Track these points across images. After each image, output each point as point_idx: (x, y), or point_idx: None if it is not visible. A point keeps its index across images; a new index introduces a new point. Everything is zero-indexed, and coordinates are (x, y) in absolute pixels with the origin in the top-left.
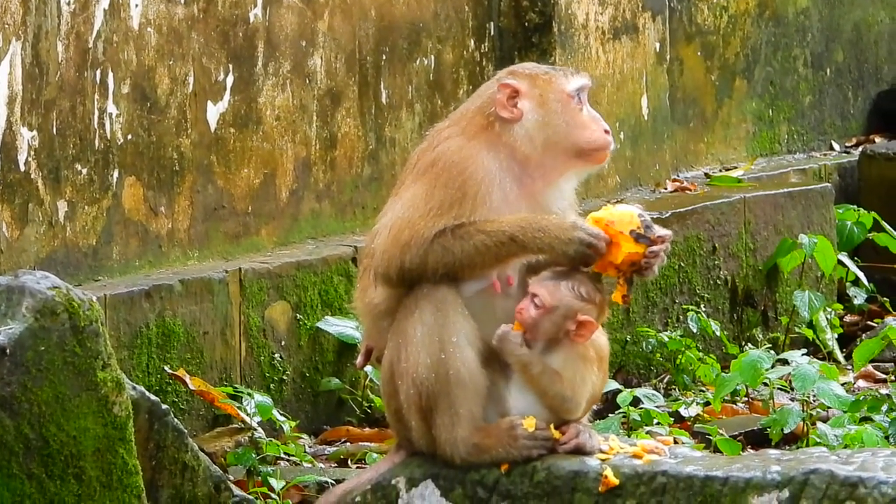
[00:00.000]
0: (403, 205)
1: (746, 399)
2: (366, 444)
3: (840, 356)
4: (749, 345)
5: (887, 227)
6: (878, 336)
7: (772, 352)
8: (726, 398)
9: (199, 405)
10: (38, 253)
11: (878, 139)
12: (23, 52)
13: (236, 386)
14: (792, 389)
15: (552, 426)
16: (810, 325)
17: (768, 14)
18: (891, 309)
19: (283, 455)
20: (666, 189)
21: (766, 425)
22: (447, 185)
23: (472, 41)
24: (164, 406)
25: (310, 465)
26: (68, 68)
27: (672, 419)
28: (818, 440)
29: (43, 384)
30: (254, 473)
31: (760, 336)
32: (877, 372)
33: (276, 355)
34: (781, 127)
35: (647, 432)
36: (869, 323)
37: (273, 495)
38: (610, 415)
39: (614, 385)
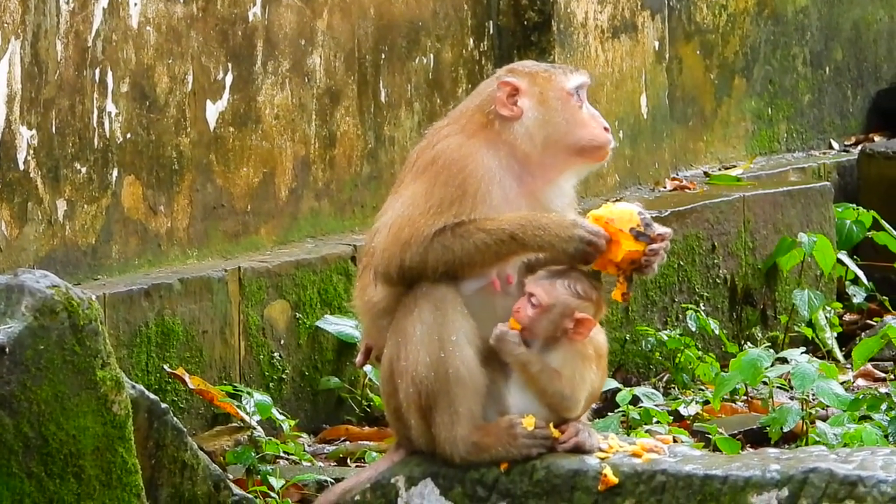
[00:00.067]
0: (403, 203)
1: (746, 398)
2: (365, 442)
3: (839, 355)
4: (748, 343)
5: (886, 225)
6: (877, 335)
7: (771, 350)
8: (725, 397)
9: (199, 404)
10: (38, 252)
11: (877, 138)
12: (22, 50)
13: (235, 385)
14: (791, 388)
15: (551, 425)
16: (809, 323)
17: (767, 13)
18: (890, 307)
19: (282, 454)
20: (665, 188)
21: (765, 424)
22: (447, 183)
23: (472, 40)
24: (164, 405)
25: (309, 464)
26: (67, 67)
27: (671, 418)
28: (817, 439)
29: (42, 383)
30: (253, 472)
31: (760, 335)
32: (876, 371)
33: (276, 354)
34: (781, 125)
35: (647, 431)
36: (868, 322)
37: (272, 494)
38: (609, 413)
39: (613, 384)
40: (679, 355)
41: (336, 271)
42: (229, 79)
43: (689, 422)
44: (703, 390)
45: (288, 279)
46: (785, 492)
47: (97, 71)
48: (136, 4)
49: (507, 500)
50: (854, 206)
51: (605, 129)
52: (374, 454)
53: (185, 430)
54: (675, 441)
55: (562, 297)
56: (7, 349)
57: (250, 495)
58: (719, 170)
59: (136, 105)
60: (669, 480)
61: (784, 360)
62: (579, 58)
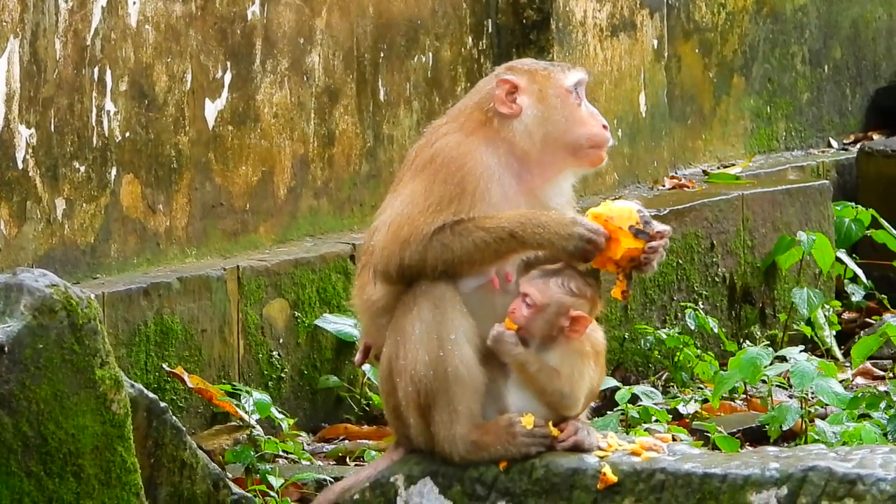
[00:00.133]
0: (402, 201)
1: (745, 396)
2: (364, 441)
3: (838, 353)
4: (747, 342)
5: (885, 224)
6: (876, 333)
7: (770, 349)
8: (725, 395)
9: (198, 403)
10: (37, 251)
11: (876, 136)
12: (21, 49)
13: (234, 383)
14: (790, 386)
15: (550, 423)
16: (808, 322)
17: (766, 11)
18: (889, 306)
19: (281, 453)
20: (664, 186)
21: (764, 422)
22: (446, 180)
23: (470, 38)
24: (163, 404)
25: (308, 463)
26: (66, 66)
27: (670, 416)
28: (816, 437)
29: (41, 382)
30: (252, 471)
31: (759, 333)
32: (875, 369)
33: (275, 353)
34: (779, 124)
35: (646, 429)
36: (867, 320)
37: (272, 493)
38: (608, 412)
39: (612, 382)
40: (678, 354)
41: (335, 270)
42: (228, 77)
43: (688, 420)
44: (702, 389)
45: (287, 278)
46: (784, 490)
47: (96, 69)
48: (134, 3)
49: (506, 499)
50: (853, 204)
51: (604, 126)
52: (374, 453)
53: (184, 428)
54: (674, 439)
55: (556, 296)
56: (6, 348)
57: (249, 494)
58: (718, 168)
59: (135, 104)
60: (668, 479)
61: (783, 359)
62: (578, 56)
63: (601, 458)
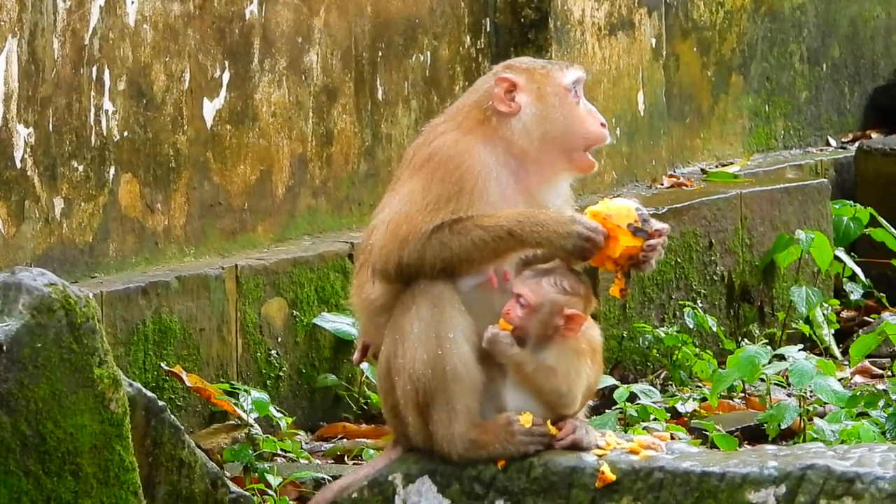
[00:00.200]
0: (400, 200)
1: (743, 395)
2: (362, 440)
3: (837, 352)
4: (746, 340)
5: (884, 222)
6: (874, 331)
7: (768, 347)
8: (723, 394)
9: (196, 402)
10: (35, 250)
11: (874, 134)
12: (19, 48)
13: (233, 382)
14: (789, 385)
15: (549, 422)
16: (807, 320)
17: (764, 9)
18: (887, 304)
19: (279, 451)
20: (662, 185)
21: (762, 421)
22: (444, 179)
23: (468, 37)
24: (161, 403)
25: (306, 462)
26: (64, 65)
27: (669, 415)
28: (815, 436)
29: (40, 381)
30: (251, 470)
31: (757, 332)
32: (873, 367)
33: (273, 352)
34: (778, 122)
35: (644, 428)
36: (866, 318)
37: (270, 492)
38: (607, 411)
39: (611, 381)
40: (676, 352)
41: (333, 269)
42: (226, 77)
43: (686, 419)
44: (700, 387)
45: (285, 277)
46: (782, 488)
47: (94, 69)
48: (132, 2)
49: (504, 498)
50: (851, 202)
51: (602, 124)
52: (372, 451)
53: (182, 427)
54: (672, 438)
55: (549, 295)
56: (4, 347)
57: (248, 493)
58: (716, 167)
59: (133, 103)
60: (667, 477)
61: (781, 357)
62: (576, 55)
63: (599, 456)
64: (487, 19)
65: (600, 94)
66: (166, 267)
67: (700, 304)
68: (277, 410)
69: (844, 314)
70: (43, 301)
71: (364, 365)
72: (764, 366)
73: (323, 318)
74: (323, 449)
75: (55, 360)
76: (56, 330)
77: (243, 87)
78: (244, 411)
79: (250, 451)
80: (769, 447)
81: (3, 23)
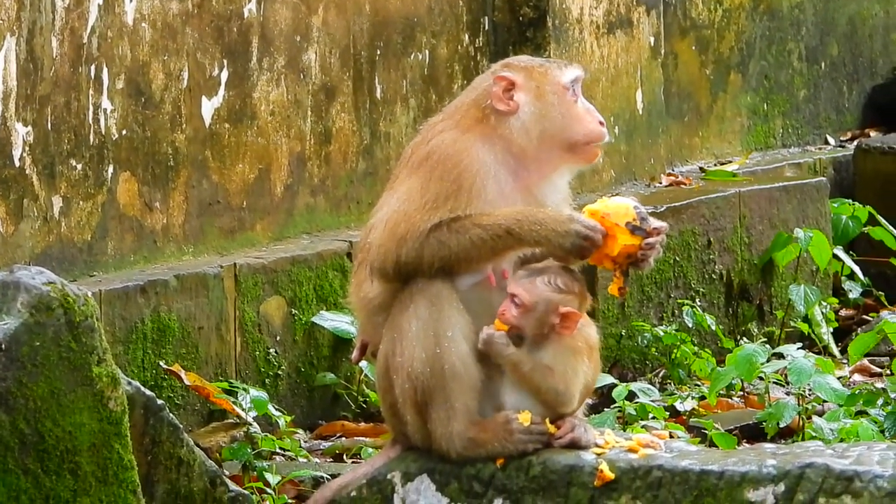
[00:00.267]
0: (399, 199)
1: (742, 393)
2: (361, 438)
3: (835, 350)
4: (744, 339)
5: (882, 220)
6: (873, 330)
7: (767, 346)
8: (722, 392)
9: (195, 400)
10: (33, 248)
11: (872, 133)
12: (17, 47)
13: (231, 381)
14: (787, 383)
15: (547, 420)
16: (806, 319)
17: (763, 8)
18: (886, 303)
19: (278, 450)
20: (661, 183)
21: (761, 419)
22: (442, 177)
23: (467, 36)
24: (160, 401)
25: (305, 460)
26: (63, 64)
27: (667, 413)
28: (814, 434)
29: (38, 379)
30: (249, 468)
31: (756, 330)
32: (872, 366)
33: (272, 350)
34: (776, 121)
35: (643, 426)
36: (864, 317)
37: (269, 490)
38: (605, 409)
39: (609, 379)
40: (675, 351)
41: (332, 267)
42: (225, 75)
43: (685, 417)
44: (699, 386)
45: (284, 275)
46: (781, 487)
47: (92, 67)
48: (131, 1)
49: (503, 496)
50: (850, 201)
51: (601, 122)
52: (371, 450)
53: (181, 426)
54: (671, 436)
55: (544, 294)
56: (3, 346)
57: (246, 491)
58: (715, 165)
59: (132, 102)
60: (666, 476)
61: (780, 356)
62: (574, 54)
63: (598, 455)
64: (486, 18)
65: (599, 92)
66: (165, 265)
67: (699, 303)
68: (276, 409)
69: (843, 313)
70: (41, 300)
71: (363, 363)
72: (762, 364)
73: (321, 316)
74: (322, 447)
75: (54, 359)
76: (55, 328)
77: (242, 85)
78: (243, 410)
79: (249, 450)
80: (768, 446)
81: (1, 21)
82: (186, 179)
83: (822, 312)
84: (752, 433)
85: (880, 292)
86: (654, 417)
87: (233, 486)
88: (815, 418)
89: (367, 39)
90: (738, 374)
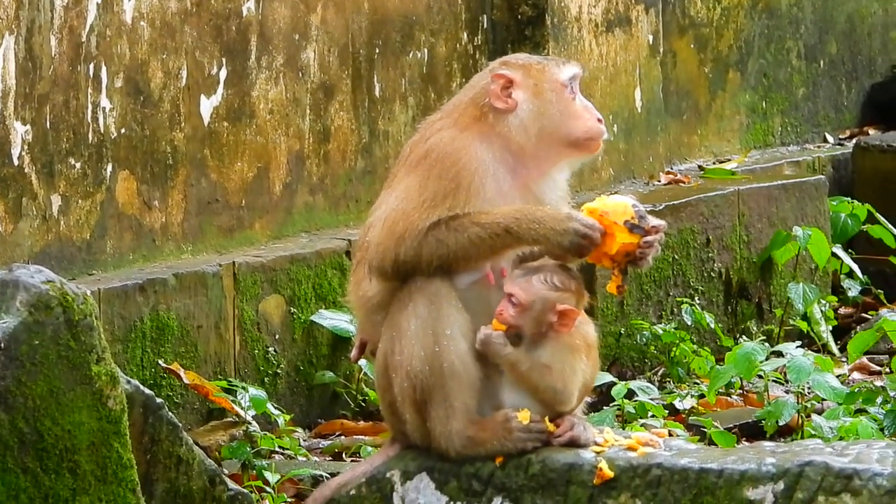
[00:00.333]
0: (397, 197)
1: (741, 391)
2: (360, 437)
3: (835, 348)
4: (743, 337)
5: (881, 218)
6: (872, 328)
7: (766, 344)
8: (721, 391)
9: (194, 399)
10: (32, 247)
11: (871, 131)
12: (16, 46)
13: (230, 380)
14: (786, 382)
15: (546, 419)
16: (805, 317)
17: (761, 6)
18: (885, 301)
19: (277, 449)
20: (660, 181)
21: (760, 417)
22: (441, 176)
23: (466, 34)
24: (159, 400)
25: (304, 459)
26: (61, 62)
27: (667, 412)
28: (813, 432)
29: (37, 378)
30: (248, 467)
31: (755, 328)
32: (871, 364)
33: (271, 349)
34: (775, 119)
35: (642, 425)
36: (863, 315)
37: (268, 489)
38: (604, 407)
39: (608, 378)
40: (674, 349)
41: (330, 266)
42: (223, 74)
43: (684, 416)
44: (698, 384)
45: (282, 274)
46: (780, 485)
47: (91, 66)
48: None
49: (502, 495)
50: (849, 199)
51: (599, 120)
52: (370, 449)
53: (180, 425)
54: (670, 435)
55: (540, 293)
56: (2, 344)
57: (245, 490)
58: (714, 163)
59: (131, 100)
60: (665, 474)
61: (779, 354)
62: (573, 52)
63: (597, 453)
64: (484, 16)
65: (597, 90)
66: (164, 264)
67: (698, 301)
68: (275, 407)
69: (842, 311)
70: (40, 298)
71: (362, 362)
72: (762, 362)
73: (320, 315)
74: (321, 446)
75: (53, 358)
76: (54, 327)
77: (240, 84)
78: (242, 408)
79: (248, 449)
80: (767, 444)
81: (0, 20)
82: (185, 178)
83: (821, 310)
84: (752, 431)
85: (879, 290)
86: (653, 416)
87: (232, 484)
88: (814, 416)
89: (365, 38)
90: (738, 373)
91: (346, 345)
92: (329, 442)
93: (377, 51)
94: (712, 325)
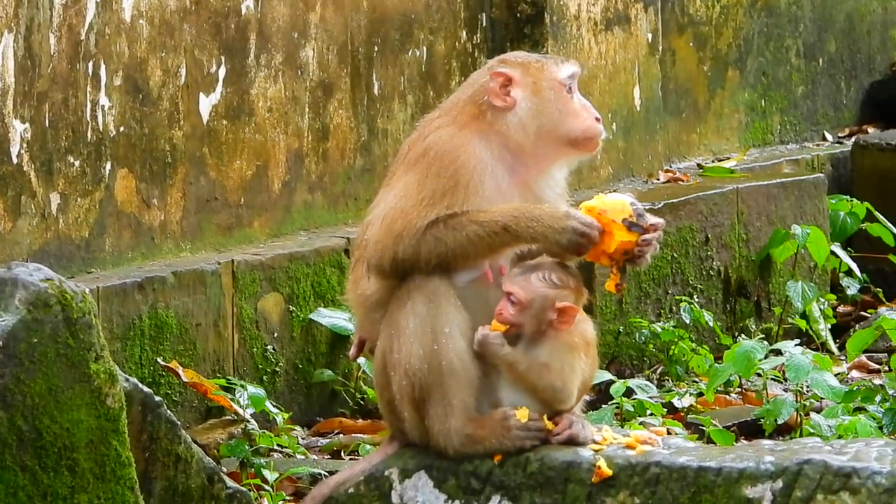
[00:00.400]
0: (396, 195)
1: (740, 390)
2: (359, 435)
3: (833, 347)
4: (742, 335)
5: (880, 217)
6: (871, 326)
7: (765, 342)
8: (719, 389)
9: (192, 397)
10: (31, 245)
11: (870, 129)
12: (15, 44)
13: (229, 378)
14: (785, 380)
15: (545, 417)
16: (803, 315)
17: (761, 4)
18: (884, 299)
19: (276, 447)
20: (658, 180)
21: (759, 416)
22: (439, 174)
23: (465, 32)
24: (157, 398)
25: (303, 457)
26: (60, 60)
27: (665, 410)
28: (812, 431)
29: (36, 376)
30: (247, 465)
31: (753, 327)
32: (870, 362)
33: (269, 347)
34: (774, 117)
35: (641, 423)
36: (862, 313)
37: (266, 487)
38: (603, 406)
39: (607, 376)
40: (673, 347)
41: (329, 264)
42: (222, 72)
43: (683, 414)
44: (696, 382)
45: (281, 272)
46: (779, 483)
47: (90, 64)
48: None
49: (500, 493)
50: (848, 197)
51: (597, 119)
52: (368, 447)
53: (178, 423)
54: (669, 433)
55: (539, 291)
56: (0, 342)
57: (244, 488)
58: (713, 162)
59: (130, 98)
60: (663, 472)
61: (778, 352)
62: (572, 50)
63: (596, 451)
64: (483, 14)
65: (596, 89)
66: (162, 262)
67: (696, 300)
68: (274, 406)
69: (841, 309)
70: (39, 296)
71: (360, 360)
72: (760, 361)
73: (319, 313)
74: (319, 444)
75: (51, 356)
76: (52, 325)
77: (239, 82)
78: (240, 407)
79: (247, 447)
80: (766, 442)
81: None
82: (184, 176)
83: (820, 309)
84: (750, 430)
85: (878, 289)
86: (651, 414)
87: (230, 482)
88: (812, 415)
89: (364, 36)
90: (736, 371)
91: (344, 343)
92: (327, 440)
93: (376, 49)
94: (711, 324)
